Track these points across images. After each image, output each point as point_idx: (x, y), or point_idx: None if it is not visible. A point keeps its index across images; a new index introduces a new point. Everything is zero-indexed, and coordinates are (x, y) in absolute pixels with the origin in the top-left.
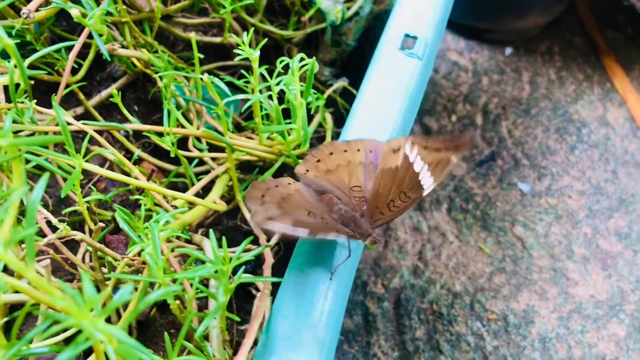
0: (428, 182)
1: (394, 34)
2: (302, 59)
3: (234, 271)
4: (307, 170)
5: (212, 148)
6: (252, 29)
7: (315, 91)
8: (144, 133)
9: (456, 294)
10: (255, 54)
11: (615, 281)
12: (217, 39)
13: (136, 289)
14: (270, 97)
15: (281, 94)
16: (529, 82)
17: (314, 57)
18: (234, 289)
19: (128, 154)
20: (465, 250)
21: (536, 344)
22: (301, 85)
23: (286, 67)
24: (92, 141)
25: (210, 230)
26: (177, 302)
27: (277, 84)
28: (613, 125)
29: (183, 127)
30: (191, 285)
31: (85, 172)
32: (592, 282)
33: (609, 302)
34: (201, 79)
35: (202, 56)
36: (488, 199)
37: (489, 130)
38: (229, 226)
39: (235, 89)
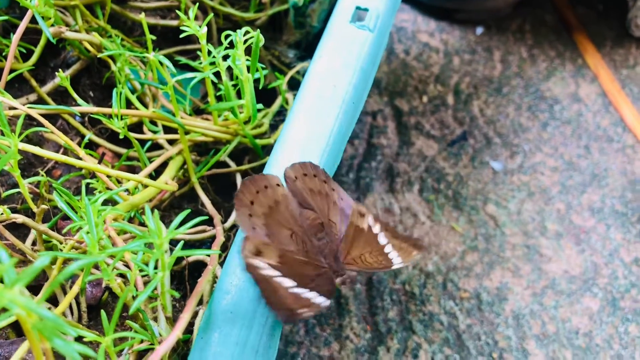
0: (396, 260)
1: (345, 7)
2: (246, 32)
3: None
4: (296, 178)
5: (168, 131)
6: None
7: (279, 73)
8: (93, 115)
9: (428, 273)
10: (202, 31)
11: (588, 256)
12: (174, 22)
13: (82, 270)
14: (219, 74)
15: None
16: (500, 61)
17: (258, 30)
18: (171, 264)
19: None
20: (437, 230)
21: (510, 320)
22: (248, 60)
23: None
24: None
25: (146, 205)
26: (119, 280)
27: (224, 59)
28: (585, 101)
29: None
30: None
31: (40, 160)
32: (565, 258)
33: (583, 276)
34: (147, 57)
35: (154, 37)
36: (460, 178)
37: (461, 110)
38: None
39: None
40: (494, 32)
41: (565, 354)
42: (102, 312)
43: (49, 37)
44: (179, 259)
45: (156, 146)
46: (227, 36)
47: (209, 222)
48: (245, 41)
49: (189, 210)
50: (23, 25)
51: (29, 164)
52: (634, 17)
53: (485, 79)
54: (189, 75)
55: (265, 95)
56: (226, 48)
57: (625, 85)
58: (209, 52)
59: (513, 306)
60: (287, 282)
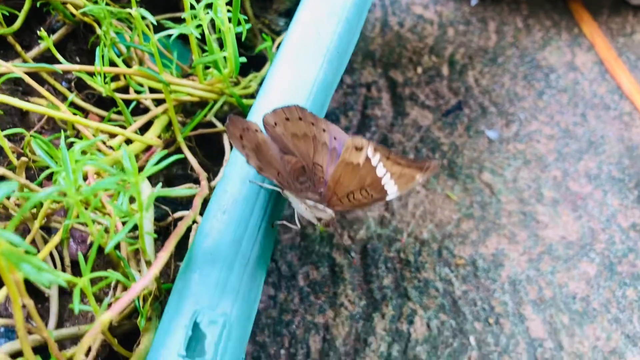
0: (392, 190)
1: None
2: None
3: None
4: (276, 124)
5: (155, 94)
6: None
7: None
8: (79, 76)
9: (423, 241)
10: None
11: (585, 221)
12: None
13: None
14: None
15: None
16: (495, 32)
17: None
18: (148, 208)
19: (71, 107)
20: (432, 198)
21: (506, 286)
22: (229, 11)
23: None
24: (34, 93)
25: (123, 147)
26: (99, 227)
27: (205, 12)
28: (581, 69)
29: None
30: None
31: (27, 126)
32: (562, 224)
33: (580, 242)
34: (130, 14)
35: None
36: (455, 147)
37: (456, 80)
38: (178, 174)
39: (187, 43)
40: (488, 3)
41: (562, 319)
42: (80, 255)
43: None
44: (165, 216)
45: (143, 111)
46: None
47: (196, 181)
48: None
49: (165, 152)
50: None
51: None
52: None
53: (480, 50)
54: (171, 31)
55: (256, 61)
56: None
57: (622, 53)
58: (192, 7)
59: (509, 272)
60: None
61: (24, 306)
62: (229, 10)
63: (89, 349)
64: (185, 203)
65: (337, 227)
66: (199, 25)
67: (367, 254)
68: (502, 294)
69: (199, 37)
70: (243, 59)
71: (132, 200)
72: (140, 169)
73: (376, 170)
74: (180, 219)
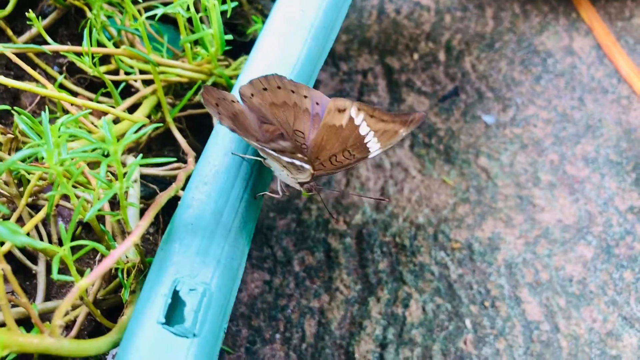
0: (374, 147)
1: None
2: None
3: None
4: (252, 95)
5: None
6: None
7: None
8: (69, 57)
9: (419, 225)
10: None
11: (582, 205)
12: None
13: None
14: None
15: None
16: (492, 18)
17: None
18: (129, 178)
19: (63, 90)
20: (428, 183)
21: (502, 269)
22: None
23: None
24: (26, 78)
25: (103, 118)
26: (80, 198)
27: None
28: (579, 54)
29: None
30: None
31: (19, 104)
32: (559, 207)
33: (576, 225)
34: None
35: None
36: (451, 132)
37: (452, 66)
38: (169, 156)
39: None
40: None
41: (559, 301)
42: (61, 225)
43: None
44: (153, 194)
45: (134, 94)
46: None
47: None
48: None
49: (145, 121)
50: None
51: (6, 112)
52: None
53: (477, 36)
54: (157, 11)
55: (249, 46)
56: None
57: (621, 37)
58: None
59: (505, 255)
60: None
61: (6, 280)
62: None
63: (74, 322)
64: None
65: (319, 191)
66: (188, 7)
67: (362, 238)
68: (498, 277)
69: (186, 16)
70: (229, 36)
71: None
72: (131, 149)
73: (359, 130)
74: (170, 200)
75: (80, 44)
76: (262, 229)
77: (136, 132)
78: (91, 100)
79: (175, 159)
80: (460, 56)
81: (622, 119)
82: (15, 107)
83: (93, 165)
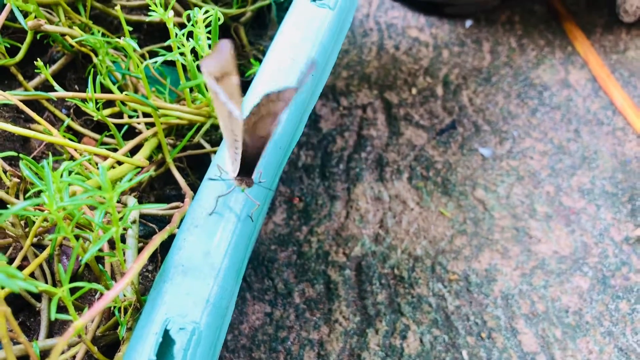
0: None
1: None
2: (206, 11)
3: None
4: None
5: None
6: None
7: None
8: (77, 104)
9: (417, 257)
10: (168, 14)
11: (578, 236)
12: (157, 18)
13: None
14: (185, 56)
15: None
16: (489, 52)
17: (216, 7)
18: (125, 221)
19: (69, 132)
20: (426, 215)
21: (499, 301)
22: (209, 38)
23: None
24: (34, 121)
25: (100, 163)
26: (79, 240)
27: (188, 40)
28: (575, 86)
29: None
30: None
31: (28, 150)
32: (555, 239)
33: (572, 256)
34: (119, 43)
35: (131, 29)
36: (449, 165)
37: (450, 100)
38: (170, 194)
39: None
40: (483, 24)
41: (555, 332)
42: (59, 267)
43: (24, 26)
44: (152, 232)
45: (137, 135)
46: (188, 17)
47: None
48: (206, 19)
49: (150, 172)
50: (1, 18)
51: (14, 157)
52: (622, 3)
53: (474, 70)
54: (158, 58)
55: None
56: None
57: (615, 69)
58: (176, 35)
59: (502, 287)
60: None
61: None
62: (208, 38)
63: (74, 358)
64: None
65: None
66: (183, 53)
67: (361, 270)
68: (494, 308)
69: (185, 63)
70: None
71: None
72: (132, 190)
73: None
74: (168, 239)
75: (87, 87)
76: (264, 261)
77: (136, 174)
78: (96, 140)
79: (175, 205)
80: (458, 90)
81: (617, 150)
82: (21, 154)
83: (93, 208)
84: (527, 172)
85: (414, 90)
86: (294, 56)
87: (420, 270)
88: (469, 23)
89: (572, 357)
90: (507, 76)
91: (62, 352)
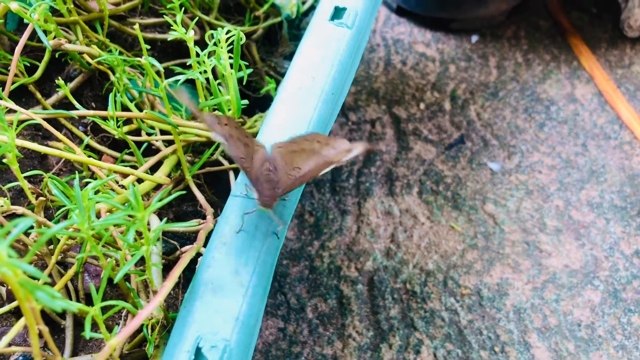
0: None
1: (325, 7)
2: (228, 31)
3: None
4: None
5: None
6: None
7: (276, 83)
8: (95, 121)
9: (429, 272)
10: (189, 34)
11: (588, 250)
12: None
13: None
14: (206, 73)
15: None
16: (496, 67)
17: (239, 29)
18: (154, 240)
19: (87, 149)
20: (436, 230)
21: (511, 315)
22: (231, 57)
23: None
24: (53, 138)
25: (130, 184)
26: (109, 259)
27: (209, 58)
28: (581, 101)
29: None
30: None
31: (45, 168)
32: (565, 252)
33: (583, 270)
34: (140, 62)
35: (148, 47)
36: (458, 179)
37: (458, 114)
38: (188, 211)
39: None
40: (489, 39)
41: (568, 346)
42: (91, 285)
43: (47, 46)
44: (173, 250)
45: (155, 152)
46: (211, 36)
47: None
48: (228, 39)
49: (169, 188)
50: (24, 38)
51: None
52: (626, 18)
53: (481, 85)
54: (179, 77)
55: (262, 102)
56: (211, 52)
57: (621, 84)
58: (197, 54)
59: (514, 301)
60: None
61: (40, 336)
62: (230, 57)
63: None
64: (192, 238)
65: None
66: (204, 71)
67: (374, 285)
68: (507, 322)
69: (205, 82)
70: (245, 102)
71: (142, 235)
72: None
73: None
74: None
75: (103, 105)
76: (276, 276)
77: (157, 188)
78: (116, 159)
79: (200, 216)
80: (465, 105)
81: (625, 164)
82: (48, 175)
83: (118, 225)
84: (536, 186)
85: (422, 105)
86: (315, 75)
87: (433, 285)
88: (475, 38)
89: None
90: (514, 91)
91: None
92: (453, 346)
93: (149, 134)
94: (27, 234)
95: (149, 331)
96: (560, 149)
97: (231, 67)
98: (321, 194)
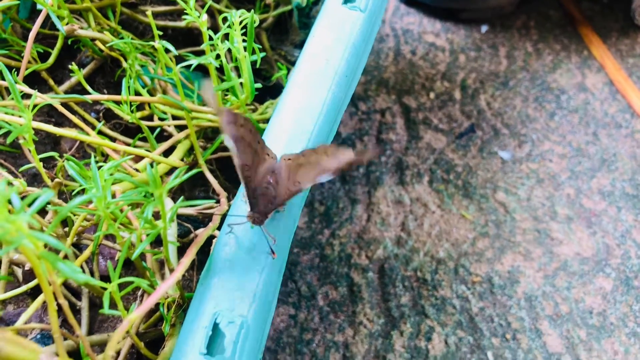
0: None
1: None
2: (242, 14)
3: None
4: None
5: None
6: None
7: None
8: (107, 105)
9: (440, 260)
10: (202, 18)
11: (600, 237)
12: (182, 24)
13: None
14: (218, 57)
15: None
16: (506, 57)
17: (252, 10)
18: (172, 219)
19: (100, 135)
20: (447, 218)
21: (522, 302)
22: (244, 41)
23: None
24: (65, 124)
25: (146, 162)
26: (124, 237)
27: (222, 42)
28: (592, 90)
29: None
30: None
31: (58, 152)
32: (576, 240)
33: (595, 257)
34: (153, 45)
35: (161, 33)
36: (469, 168)
37: (468, 104)
38: (200, 196)
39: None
40: (498, 29)
41: (580, 333)
42: (109, 262)
43: (62, 31)
44: (187, 233)
45: (166, 139)
46: (224, 19)
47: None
48: (241, 22)
49: (184, 168)
50: (38, 23)
51: (48, 157)
52: (637, 7)
53: (491, 74)
54: (192, 61)
55: (273, 90)
56: (225, 35)
57: (632, 73)
58: (210, 38)
59: (525, 288)
60: None
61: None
62: (244, 40)
63: (118, 354)
64: (206, 222)
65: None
66: (218, 56)
67: (384, 273)
68: (518, 309)
69: (218, 66)
70: (258, 85)
71: (155, 217)
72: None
73: None
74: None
75: (115, 92)
76: (287, 264)
77: (170, 173)
78: (128, 144)
79: (213, 200)
80: (476, 94)
81: (636, 152)
82: (64, 155)
83: (132, 206)
84: (547, 175)
85: (432, 95)
86: (328, 58)
87: (443, 273)
88: (484, 28)
89: (598, 358)
90: (524, 80)
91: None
92: (464, 333)
93: (160, 119)
94: (43, 215)
95: (165, 310)
96: (571, 138)
97: (244, 51)
98: (331, 183)
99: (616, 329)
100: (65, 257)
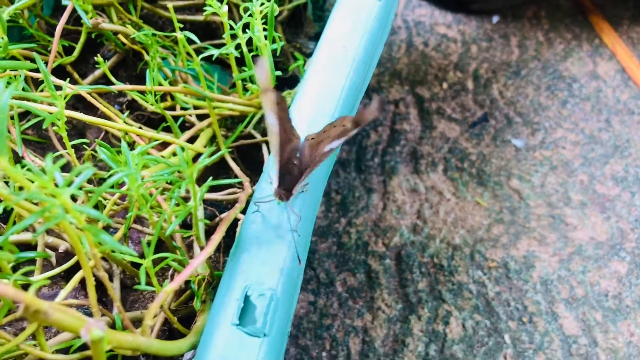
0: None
1: None
2: (262, 4)
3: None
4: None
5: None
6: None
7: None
8: (130, 95)
9: (456, 246)
10: (223, 9)
11: (614, 222)
12: (200, 17)
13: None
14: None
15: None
16: (517, 46)
17: (272, 1)
18: (202, 198)
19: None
20: (462, 205)
21: (538, 286)
22: (265, 29)
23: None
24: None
25: (179, 148)
26: (156, 217)
27: (243, 32)
28: (604, 77)
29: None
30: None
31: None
32: (591, 225)
33: (609, 242)
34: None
35: (181, 25)
36: (483, 156)
37: (481, 93)
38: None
39: (226, 67)
40: (509, 19)
41: (595, 316)
42: (143, 240)
43: (87, 23)
44: (213, 217)
45: (187, 129)
46: (245, 9)
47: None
48: (262, 12)
49: (210, 151)
50: (64, 18)
51: (75, 147)
52: None
53: (503, 64)
54: (213, 51)
55: (289, 81)
56: (245, 24)
57: None
58: (231, 27)
59: (541, 273)
60: None
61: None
62: (264, 29)
63: (152, 329)
64: (230, 207)
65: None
66: (238, 46)
67: (401, 259)
68: (534, 293)
69: (238, 56)
70: (278, 73)
71: (184, 200)
72: None
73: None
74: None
75: (138, 84)
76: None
77: (194, 160)
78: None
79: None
80: (488, 84)
81: None
82: (96, 140)
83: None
84: (560, 162)
85: (444, 85)
86: (346, 44)
87: (460, 259)
88: (495, 19)
89: (614, 340)
90: (536, 69)
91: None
92: (481, 317)
93: (183, 109)
94: (75, 200)
95: (196, 287)
96: (583, 125)
97: (265, 39)
98: (347, 173)
99: (632, 312)
100: None
